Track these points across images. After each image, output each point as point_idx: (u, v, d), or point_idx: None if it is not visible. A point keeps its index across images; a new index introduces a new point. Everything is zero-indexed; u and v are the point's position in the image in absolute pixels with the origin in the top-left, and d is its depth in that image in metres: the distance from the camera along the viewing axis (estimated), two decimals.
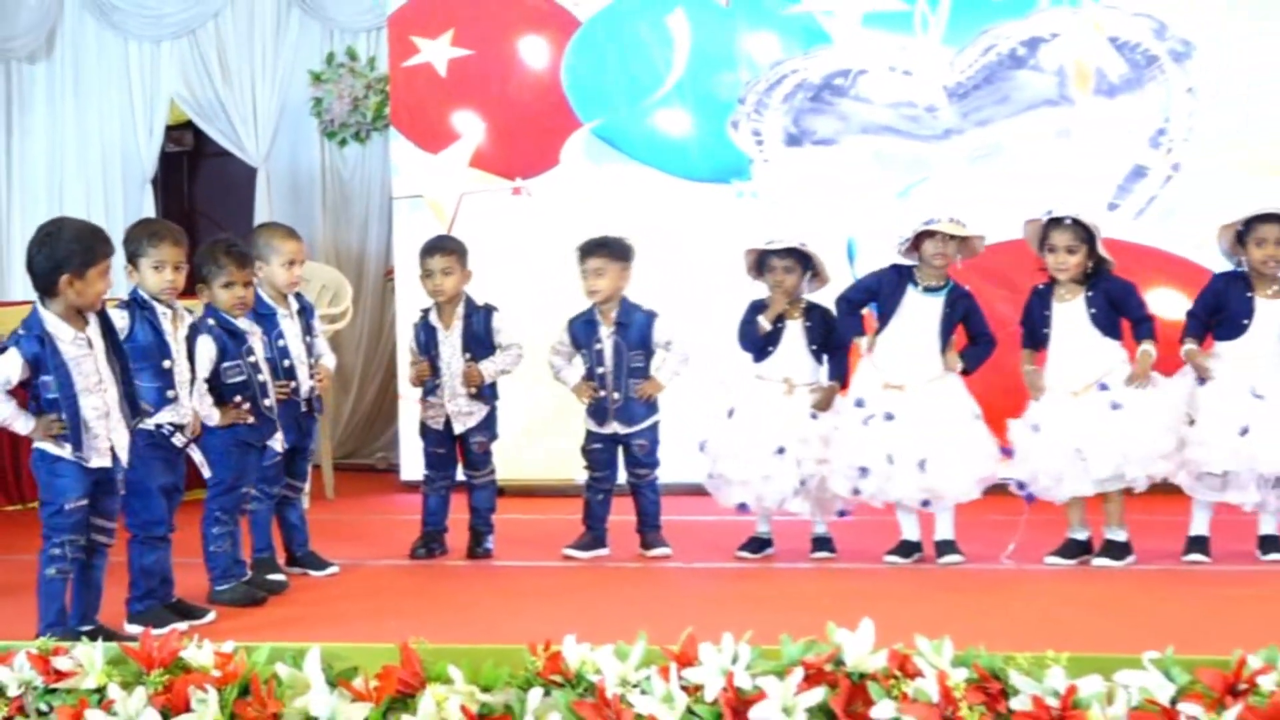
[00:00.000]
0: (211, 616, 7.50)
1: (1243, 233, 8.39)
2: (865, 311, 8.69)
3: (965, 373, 8.50)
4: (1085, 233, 8.33)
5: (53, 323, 6.84)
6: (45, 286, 6.86)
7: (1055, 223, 8.36)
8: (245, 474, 8.06)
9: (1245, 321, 8.32)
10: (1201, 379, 8.31)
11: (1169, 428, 8.23)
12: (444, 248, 9.02)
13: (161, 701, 6.01)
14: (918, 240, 8.52)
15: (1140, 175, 10.72)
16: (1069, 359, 8.39)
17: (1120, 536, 8.42)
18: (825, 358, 8.67)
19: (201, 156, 13.77)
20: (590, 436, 8.97)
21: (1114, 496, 8.37)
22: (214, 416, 7.72)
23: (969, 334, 8.57)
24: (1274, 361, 8.29)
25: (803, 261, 8.67)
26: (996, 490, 8.60)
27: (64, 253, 6.86)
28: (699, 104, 11.24)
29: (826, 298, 8.82)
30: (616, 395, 8.82)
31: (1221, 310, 8.43)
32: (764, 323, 8.63)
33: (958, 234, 8.43)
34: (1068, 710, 5.62)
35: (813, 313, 8.71)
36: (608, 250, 8.83)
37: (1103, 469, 8.18)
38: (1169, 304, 8.84)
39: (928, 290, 8.53)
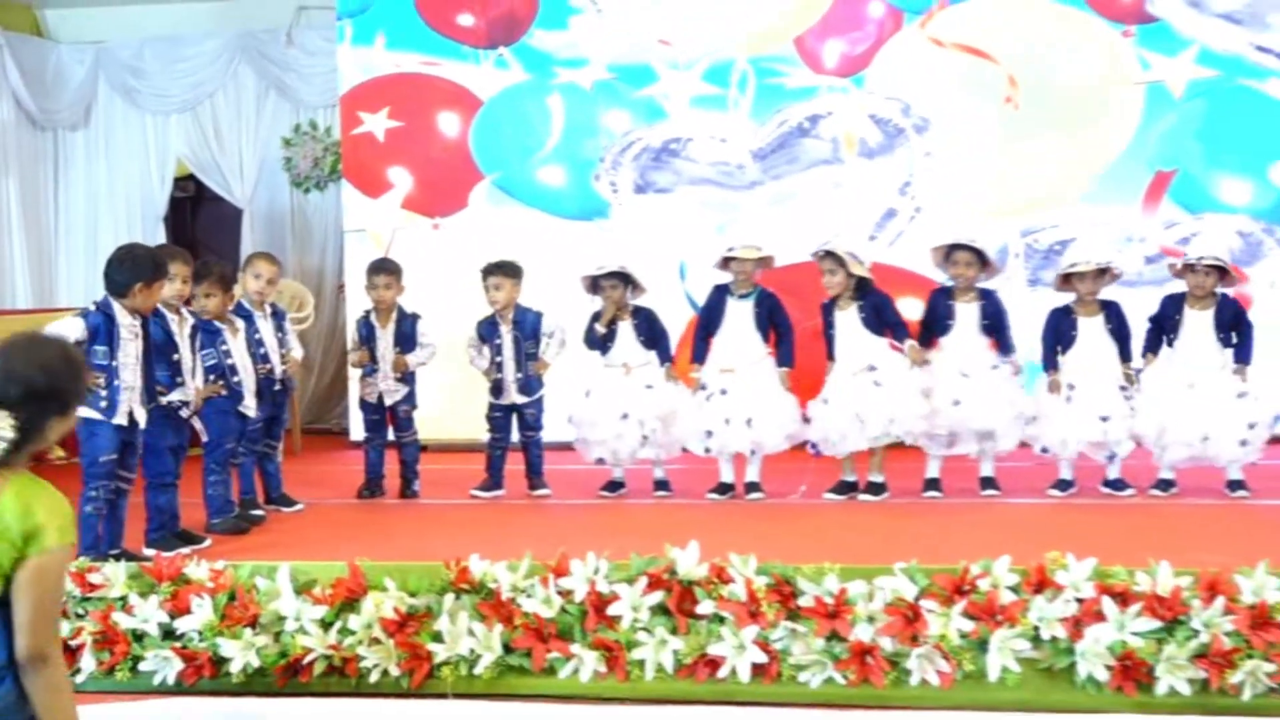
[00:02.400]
0: (208, 542, 7.57)
1: (946, 255, 8.58)
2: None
3: (788, 365, 8.57)
4: (979, 256, 8.50)
5: (118, 310, 7.03)
6: (120, 291, 7.05)
7: (957, 247, 8.51)
8: (231, 435, 8.09)
9: (950, 321, 8.48)
10: (919, 363, 8.41)
11: (920, 398, 8.35)
12: (386, 268, 9.11)
13: (169, 606, 6.14)
14: (726, 263, 8.67)
15: (892, 215, 10.83)
16: (848, 350, 8.46)
17: (879, 479, 8.55)
18: (655, 351, 8.73)
19: (201, 200, 13.68)
20: (491, 406, 9.02)
21: (877, 449, 8.48)
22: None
23: (775, 325, 8.60)
24: (977, 347, 8.46)
25: (624, 279, 8.76)
26: (797, 447, 8.68)
27: (140, 268, 7.06)
28: (571, 162, 11.28)
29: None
30: (519, 375, 8.89)
31: (935, 314, 8.57)
32: (600, 326, 8.74)
33: (751, 256, 8.58)
34: (840, 606, 5.75)
35: (639, 314, 8.80)
36: (504, 270, 8.88)
37: (875, 429, 8.30)
38: (916, 309, 8.94)
39: (741, 297, 8.64)
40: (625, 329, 8.77)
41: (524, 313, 8.93)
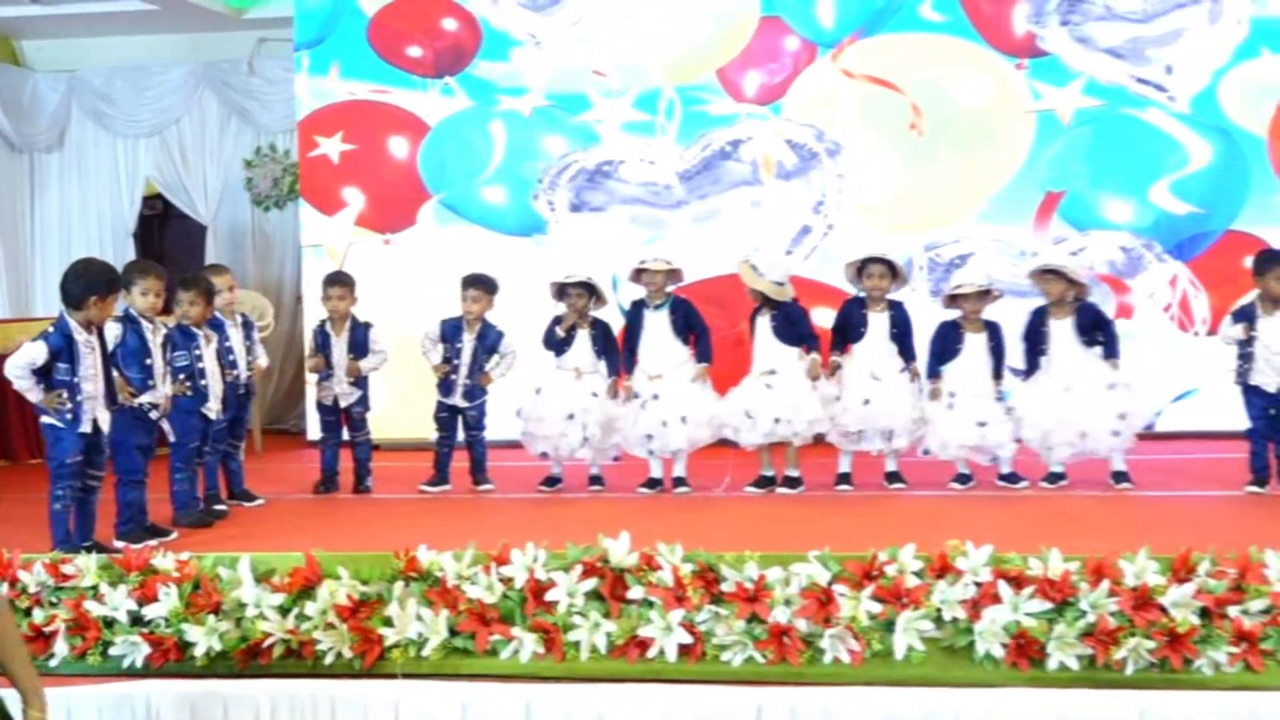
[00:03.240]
0: (174, 535, 7.47)
1: (860, 269, 8.62)
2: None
3: (707, 361, 8.59)
4: (891, 269, 8.52)
5: (74, 328, 6.93)
6: (76, 303, 6.95)
7: (870, 260, 8.53)
8: (195, 434, 8.01)
9: (863, 329, 8.50)
10: (830, 372, 8.45)
11: (814, 403, 8.37)
12: (340, 280, 9.08)
13: (137, 595, 6.08)
14: (638, 275, 8.70)
15: (806, 232, 10.87)
16: (760, 355, 8.51)
17: (795, 474, 8.55)
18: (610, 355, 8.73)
19: (168, 218, 13.55)
20: (439, 406, 8.97)
21: (791, 445, 8.50)
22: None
23: (692, 329, 8.62)
24: (886, 353, 8.49)
25: (590, 289, 8.76)
26: (720, 442, 8.68)
27: (94, 282, 6.98)
28: (512, 183, 11.25)
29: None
30: (468, 381, 8.86)
31: (849, 322, 8.60)
32: (560, 330, 8.72)
33: (659, 269, 8.61)
34: (759, 590, 5.76)
35: (597, 325, 8.79)
36: (483, 285, 8.88)
37: (764, 427, 8.32)
38: (828, 318, 8.97)
39: (656, 308, 8.65)
40: (583, 336, 8.76)
41: (489, 328, 8.91)
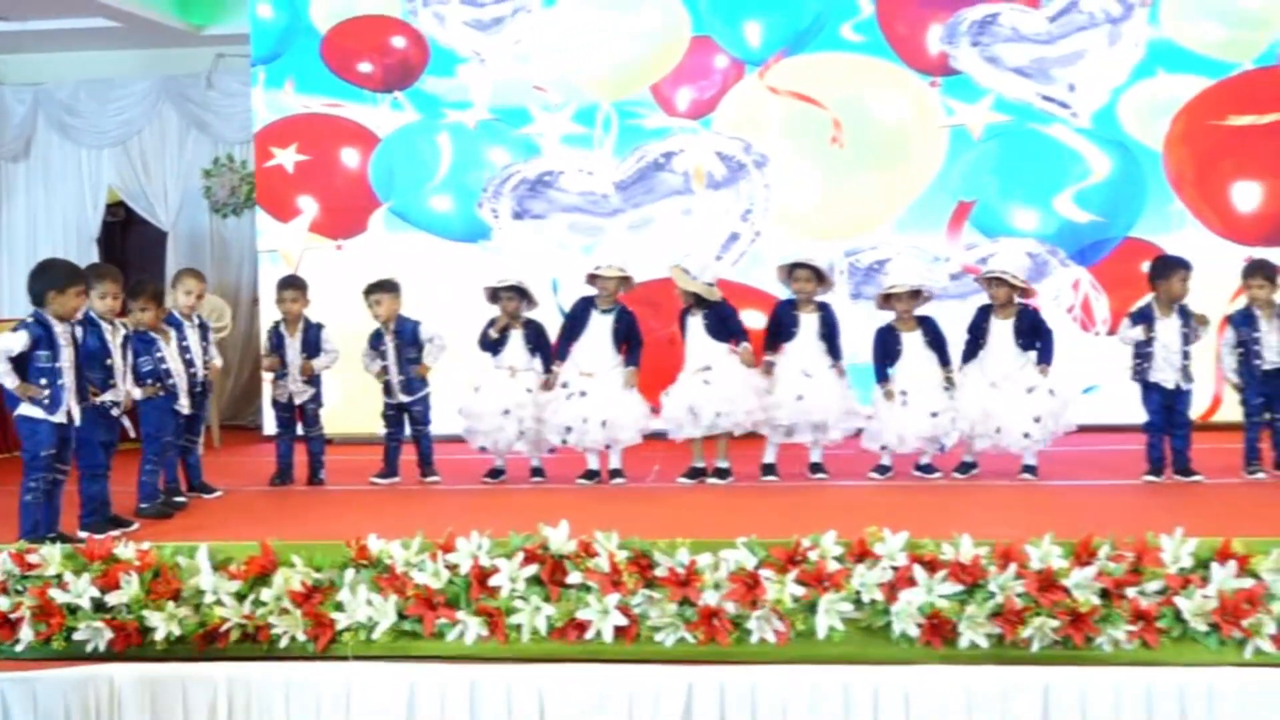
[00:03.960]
0: (136, 526, 7.42)
1: (790, 273, 8.64)
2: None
3: (635, 366, 8.56)
4: (817, 273, 8.55)
5: (51, 319, 6.89)
6: (38, 300, 6.92)
7: (799, 265, 8.55)
8: (168, 430, 7.97)
9: (794, 329, 8.53)
10: (764, 371, 8.45)
11: (750, 395, 8.41)
12: (293, 284, 9.04)
13: (100, 583, 5.97)
14: (592, 279, 8.67)
15: (735, 239, 10.89)
16: (693, 353, 8.52)
17: (724, 464, 8.57)
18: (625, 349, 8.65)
19: (130, 224, 13.40)
20: (386, 405, 8.94)
21: (721, 437, 8.51)
22: (136, 392, 7.68)
23: (629, 339, 8.60)
24: (816, 351, 8.52)
25: (521, 293, 8.73)
26: (650, 436, 8.69)
27: (52, 277, 6.96)
28: (458, 191, 11.21)
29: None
30: (401, 376, 8.82)
31: (781, 323, 8.64)
32: (493, 332, 8.69)
33: (613, 276, 8.60)
34: (690, 575, 5.74)
35: (529, 325, 8.77)
36: (382, 287, 8.86)
37: (706, 420, 8.34)
38: (757, 320, 9.00)
39: (604, 311, 8.63)
40: (516, 337, 8.73)
41: (404, 322, 8.87)
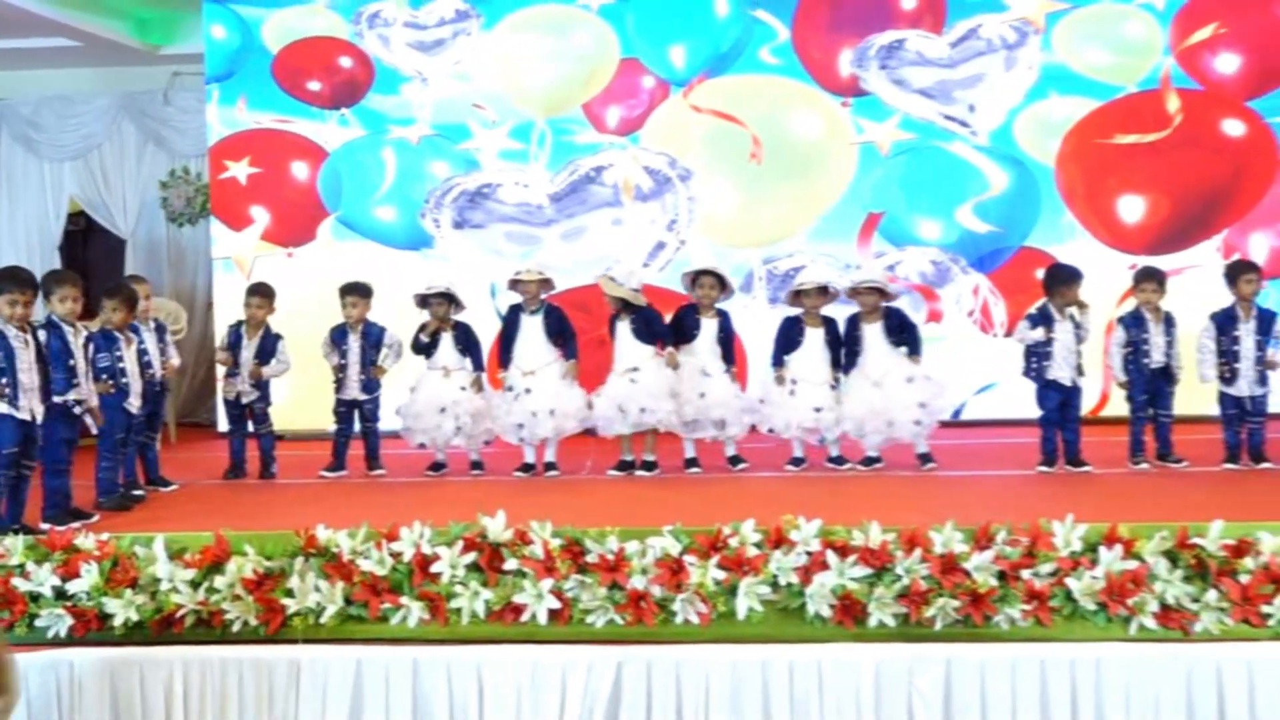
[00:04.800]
0: (96, 518, 7.31)
1: (694, 279, 8.66)
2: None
3: (574, 359, 8.54)
4: (720, 280, 8.59)
5: (3, 324, 6.81)
6: None
7: (703, 272, 8.61)
8: (120, 427, 7.84)
9: (695, 332, 8.54)
10: (673, 367, 8.45)
11: (672, 395, 8.42)
12: (261, 291, 9.01)
13: (61, 571, 5.94)
14: (514, 284, 8.68)
15: (661, 247, 10.86)
16: (622, 355, 8.51)
17: (651, 458, 8.56)
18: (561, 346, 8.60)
19: (90, 233, 13.16)
20: (337, 402, 8.89)
21: (648, 433, 8.51)
22: (93, 399, 7.55)
23: (561, 333, 8.57)
24: (713, 354, 8.54)
25: (448, 298, 8.70)
26: (584, 431, 8.69)
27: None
28: (402, 202, 11.11)
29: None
30: (361, 375, 8.79)
31: (683, 325, 8.62)
32: (424, 336, 8.69)
33: (532, 279, 8.60)
34: (619, 561, 5.77)
35: (459, 327, 8.75)
36: (359, 291, 8.86)
37: (633, 418, 8.34)
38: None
39: (532, 313, 8.61)
40: (446, 339, 8.71)
41: (371, 326, 8.85)
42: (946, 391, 8.66)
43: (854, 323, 8.56)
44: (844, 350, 8.56)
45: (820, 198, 10.85)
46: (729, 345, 8.63)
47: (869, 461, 8.53)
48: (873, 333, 8.47)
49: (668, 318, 8.68)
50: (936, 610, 5.62)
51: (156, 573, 5.88)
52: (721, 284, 8.65)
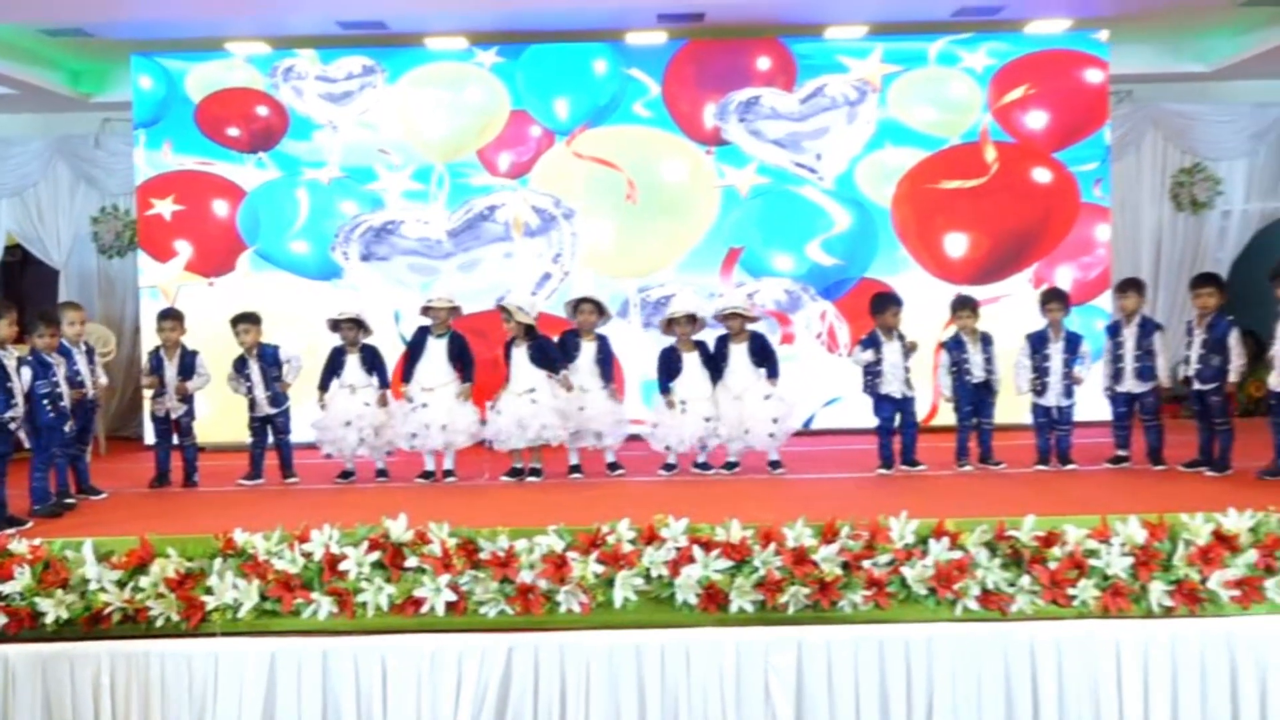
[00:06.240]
0: (29, 524, 7.06)
1: (575, 306, 8.64)
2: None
3: (470, 382, 8.46)
4: (598, 307, 8.58)
5: None
6: None
7: (584, 300, 8.58)
8: (56, 443, 7.61)
9: (576, 354, 8.52)
10: (567, 389, 8.40)
11: (565, 416, 8.37)
12: (172, 315, 8.75)
13: None
14: (426, 310, 8.59)
15: (548, 278, 10.84)
16: (517, 376, 8.40)
17: (538, 465, 8.49)
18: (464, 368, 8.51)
19: (27, 264, 12.82)
20: (252, 417, 8.71)
21: (536, 445, 8.44)
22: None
23: (461, 357, 8.48)
24: (592, 373, 8.51)
25: (357, 323, 8.60)
26: (478, 444, 8.59)
27: None
28: (314, 237, 10.95)
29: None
30: (268, 393, 8.62)
31: (565, 347, 8.53)
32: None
33: (443, 306, 8.54)
34: (510, 557, 5.77)
35: (365, 349, 8.64)
36: (248, 319, 8.66)
37: (531, 433, 8.29)
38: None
39: (438, 336, 8.53)
40: (353, 360, 8.60)
41: (264, 348, 8.69)
42: (796, 411, 8.73)
43: (723, 342, 8.60)
44: (714, 368, 8.58)
45: (688, 234, 10.92)
46: (608, 365, 8.62)
47: (729, 466, 8.57)
48: (738, 353, 8.53)
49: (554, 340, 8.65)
50: (789, 597, 5.67)
51: (86, 574, 5.77)
52: (600, 310, 8.65)
